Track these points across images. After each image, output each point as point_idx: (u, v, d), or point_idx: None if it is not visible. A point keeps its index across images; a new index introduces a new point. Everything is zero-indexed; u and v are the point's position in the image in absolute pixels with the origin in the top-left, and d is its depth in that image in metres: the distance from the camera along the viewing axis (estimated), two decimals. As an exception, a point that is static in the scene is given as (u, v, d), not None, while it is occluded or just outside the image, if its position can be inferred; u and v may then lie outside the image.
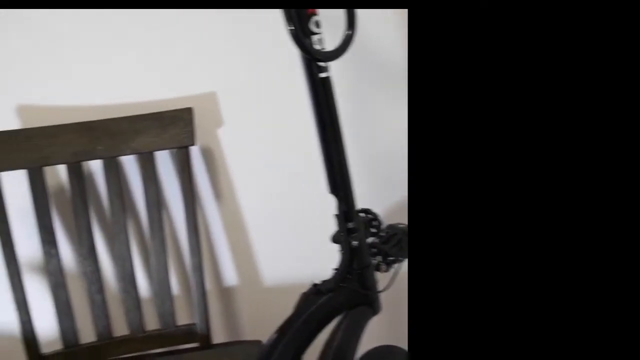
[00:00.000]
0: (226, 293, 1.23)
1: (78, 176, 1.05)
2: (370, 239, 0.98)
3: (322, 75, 0.84)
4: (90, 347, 1.09)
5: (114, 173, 1.06)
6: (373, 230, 0.99)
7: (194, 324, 1.09)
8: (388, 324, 1.20)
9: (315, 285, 0.94)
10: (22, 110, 1.08)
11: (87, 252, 1.06)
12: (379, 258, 0.97)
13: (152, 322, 1.16)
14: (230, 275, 1.22)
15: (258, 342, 1.06)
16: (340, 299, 0.92)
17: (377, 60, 1.13)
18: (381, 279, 1.00)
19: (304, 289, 0.99)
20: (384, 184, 1.20)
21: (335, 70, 0.89)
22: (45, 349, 1.09)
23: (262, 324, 1.27)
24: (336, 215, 0.92)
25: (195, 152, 1.13)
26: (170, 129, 1.05)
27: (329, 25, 0.88)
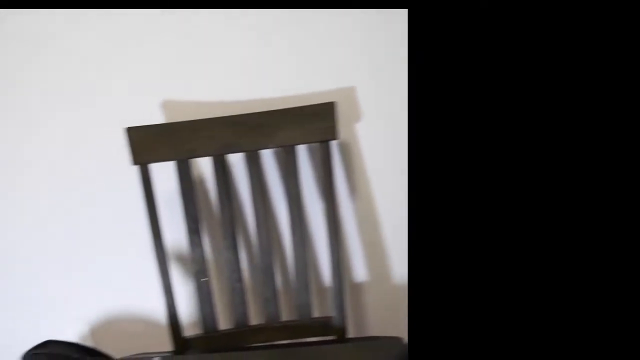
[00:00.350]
0: (356, 288, 1.23)
1: (223, 168, 1.09)
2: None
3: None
4: (227, 333, 1.12)
5: (256, 166, 1.09)
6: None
7: (330, 317, 1.11)
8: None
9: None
10: (166, 106, 1.13)
11: (229, 242, 1.10)
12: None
13: (286, 313, 1.19)
14: (360, 271, 1.22)
15: (397, 339, 1.06)
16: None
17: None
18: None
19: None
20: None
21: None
22: (186, 333, 1.13)
23: (390, 321, 1.27)
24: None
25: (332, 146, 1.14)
26: (313, 123, 1.06)
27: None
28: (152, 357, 1.04)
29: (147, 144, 1.07)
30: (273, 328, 1.13)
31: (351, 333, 1.23)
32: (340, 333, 1.10)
